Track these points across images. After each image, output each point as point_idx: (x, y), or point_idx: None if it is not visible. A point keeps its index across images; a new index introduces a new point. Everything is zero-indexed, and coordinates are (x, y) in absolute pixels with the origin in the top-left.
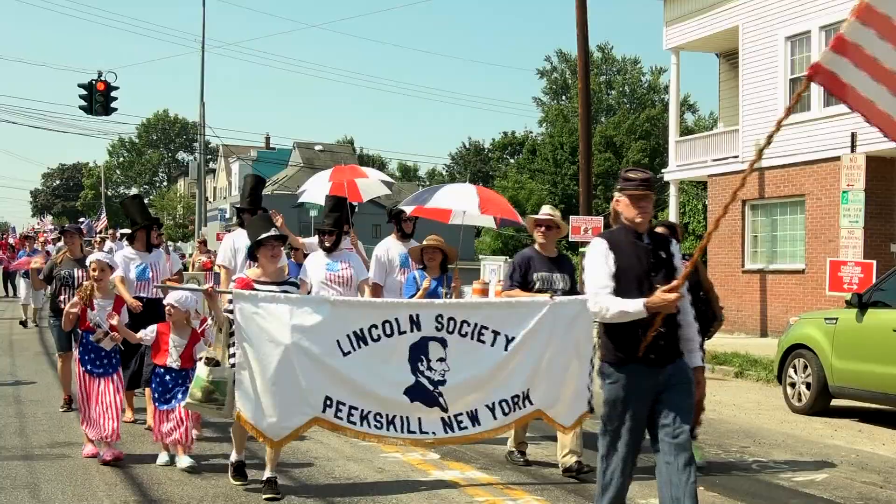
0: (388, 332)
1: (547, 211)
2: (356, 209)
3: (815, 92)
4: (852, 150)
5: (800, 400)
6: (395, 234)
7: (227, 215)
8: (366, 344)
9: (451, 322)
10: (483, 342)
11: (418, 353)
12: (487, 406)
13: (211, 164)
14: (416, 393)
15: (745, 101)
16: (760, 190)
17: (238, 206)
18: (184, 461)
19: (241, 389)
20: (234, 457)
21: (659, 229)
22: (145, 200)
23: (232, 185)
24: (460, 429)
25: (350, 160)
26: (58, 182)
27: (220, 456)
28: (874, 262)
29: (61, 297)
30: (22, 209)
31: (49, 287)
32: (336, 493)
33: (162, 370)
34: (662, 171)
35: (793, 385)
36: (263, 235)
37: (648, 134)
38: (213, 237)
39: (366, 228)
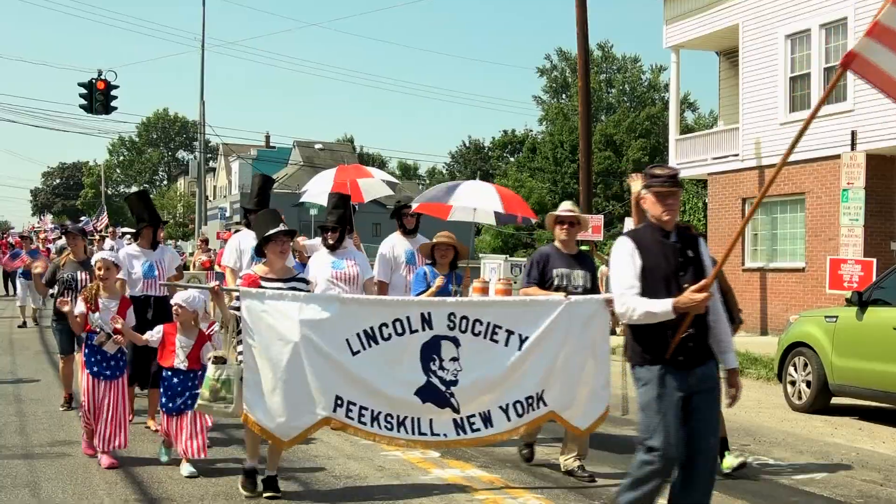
0: (399, 330)
1: (568, 207)
2: (356, 210)
3: (816, 90)
4: (852, 148)
5: (800, 398)
6: (399, 230)
7: (227, 214)
8: (376, 343)
9: (464, 321)
10: (496, 341)
11: (430, 352)
12: (501, 407)
13: (211, 163)
14: (428, 393)
15: (745, 100)
16: (760, 188)
17: (245, 206)
18: (185, 469)
19: (248, 389)
20: (247, 463)
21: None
22: None
23: (232, 184)
24: (472, 430)
25: (350, 159)
26: (58, 181)
27: (220, 455)
28: (874, 260)
29: (66, 300)
30: (22, 208)
31: (51, 291)
32: (336, 492)
33: (169, 373)
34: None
35: (793, 383)
36: (273, 231)
37: (648, 132)
38: (213, 236)
39: (366, 227)
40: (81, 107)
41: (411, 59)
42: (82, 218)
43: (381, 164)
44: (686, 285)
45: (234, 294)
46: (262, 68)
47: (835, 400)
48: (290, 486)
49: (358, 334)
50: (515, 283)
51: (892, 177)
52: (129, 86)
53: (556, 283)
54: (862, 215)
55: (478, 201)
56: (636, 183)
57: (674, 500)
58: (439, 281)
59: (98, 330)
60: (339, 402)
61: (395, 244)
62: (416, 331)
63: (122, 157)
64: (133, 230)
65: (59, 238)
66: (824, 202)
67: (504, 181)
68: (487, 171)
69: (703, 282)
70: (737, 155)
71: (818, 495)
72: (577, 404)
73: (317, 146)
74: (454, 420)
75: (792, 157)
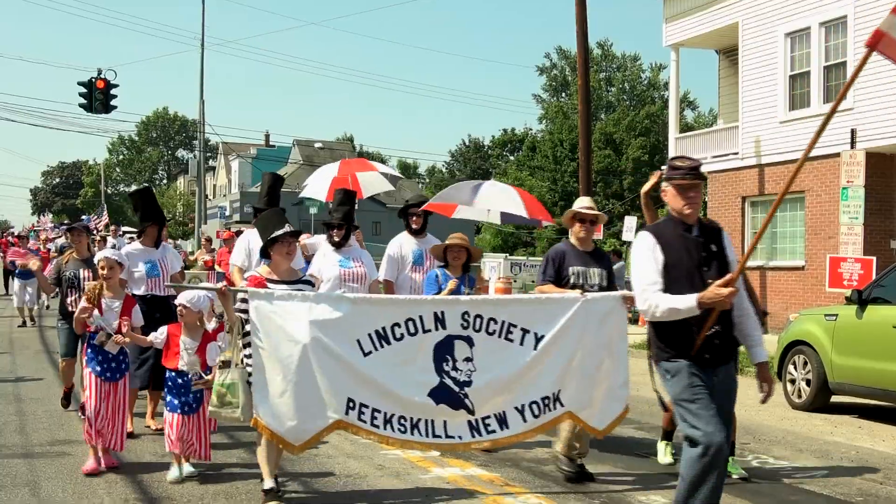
0: (412, 330)
1: (588, 204)
2: (356, 206)
3: (815, 88)
4: (852, 147)
5: (800, 396)
6: (406, 230)
7: (227, 213)
8: (388, 343)
9: (478, 320)
10: (511, 341)
11: (443, 352)
12: (516, 408)
13: (211, 162)
14: (441, 395)
15: (745, 98)
16: (760, 187)
17: (255, 205)
18: (185, 468)
19: (258, 392)
20: (266, 483)
21: None
22: None
23: (232, 183)
24: (488, 432)
25: (350, 157)
26: (58, 180)
27: (220, 454)
28: (874, 258)
29: (70, 300)
30: (22, 207)
31: (56, 290)
32: (336, 491)
33: (174, 374)
34: (662, 167)
35: (793, 381)
36: (280, 232)
37: (648, 131)
38: (213, 235)
39: (366, 226)
40: (81, 106)
41: (411, 57)
42: (83, 217)
43: (381, 162)
44: (710, 281)
45: (240, 295)
46: (261, 67)
47: (834, 398)
48: (290, 486)
49: (369, 334)
50: (515, 281)
51: (892, 175)
52: (128, 85)
53: (572, 280)
54: (861, 213)
55: (500, 204)
56: (651, 178)
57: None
58: (451, 284)
59: (98, 329)
60: (352, 404)
61: (403, 244)
62: (429, 330)
63: (121, 156)
64: (133, 229)
65: (59, 237)
66: (824, 200)
67: (504, 180)
68: (487, 170)
69: (728, 276)
70: (736, 153)
71: (818, 494)
72: (595, 404)
73: (316, 145)
74: (469, 422)
75: (791, 156)
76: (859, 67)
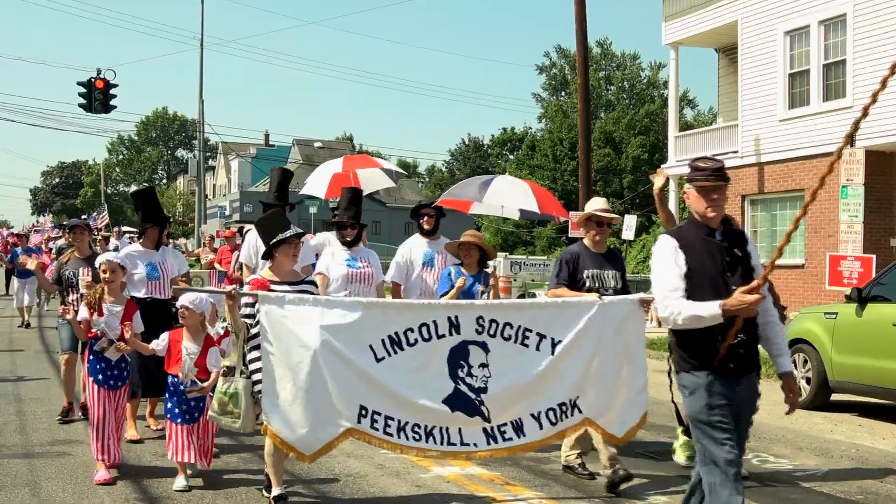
0: (426, 335)
1: (603, 206)
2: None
3: (815, 87)
4: (851, 145)
5: (799, 395)
6: (419, 232)
7: (227, 212)
8: (401, 349)
9: (493, 324)
10: (527, 346)
11: (458, 358)
12: (533, 415)
13: (210, 162)
14: (457, 401)
15: (745, 96)
16: (760, 185)
17: (265, 201)
18: (178, 483)
19: (268, 399)
20: (274, 490)
21: None
22: None
23: (231, 183)
24: (504, 440)
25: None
26: (57, 180)
27: (220, 455)
28: (874, 256)
29: (70, 299)
30: (22, 207)
31: (58, 289)
32: (336, 490)
33: (175, 380)
34: (662, 166)
35: None
36: (289, 233)
37: (648, 129)
38: (213, 235)
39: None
40: (80, 106)
41: (410, 56)
42: (83, 217)
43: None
44: (734, 287)
45: (245, 300)
46: (261, 66)
47: (834, 396)
48: (290, 484)
49: (382, 340)
50: (515, 280)
51: (892, 173)
52: (128, 85)
53: (587, 284)
54: (861, 212)
55: (512, 199)
56: (659, 178)
57: None
58: (460, 282)
59: (100, 334)
60: (364, 412)
61: (413, 247)
62: (444, 336)
63: (121, 156)
64: (133, 229)
65: (59, 238)
66: (824, 198)
67: None
68: (487, 169)
69: (753, 282)
70: (736, 152)
71: (818, 492)
72: (614, 410)
73: (316, 144)
74: (485, 429)
75: (790, 154)
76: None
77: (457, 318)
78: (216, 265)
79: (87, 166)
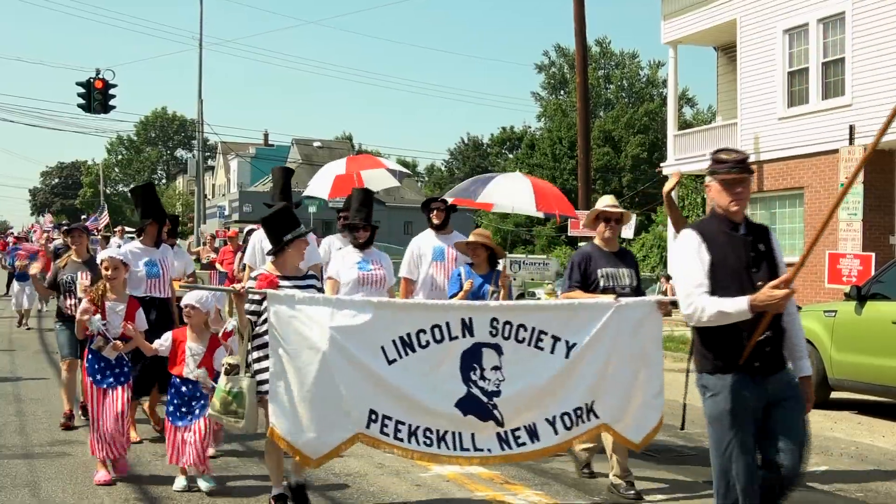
0: (438, 337)
1: (611, 203)
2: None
3: (814, 84)
4: (850, 143)
5: None
6: (429, 226)
7: (226, 212)
8: (413, 351)
9: (507, 326)
10: (542, 349)
11: (471, 360)
12: (548, 420)
13: (209, 162)
14: (469, 405)
15: (744, 95)
16: (759, 183)
17: (271, 202)
18: (178, 483)
19: (275, 402)
20: (275, 490)
21: None
22: None
23: (231, 183)
24: (518, 445)
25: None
26: (56, 180)
27: (220, 457)
28: (873, 254)
29: (68, 303)
30: (21, 208)
31: (53, 294)
32: (336, 489)
33: (178, 380)
34: (661, 164)
35: None
36: (301, 231)
37: (647, 128)
38: (213, 234)
39: None
40: (80, 106)
41: (409, 56)
42: (84, 217)
43: None
44: (759, 283)
45: (251, 296)
46: (260, 66)
47: (834, 394)
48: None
49: (394, 341)
50: (514, 279)
51: (891, 171)
52: (127, 85)
53: (601, 284)
54: (860, 210)
55: (509, 198)
56: (672, 180)
57: None
58: (467, 285)
59: (96, 334)
60: (374, 416)
61: (422, 242)
62: (456, 337)
63: (120, 156)
64: (131, 229)
65: (57, 238)
66: (823, 197)
67: None
68: (486, 168)
69: (784, 276)
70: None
71: (818, 489)
72: (630, 415)
73: (315, 144)
74: (498, 434)
75: (789, 152)
76: None
77: (470, 319)
78: (218, 266)
79: (86, 166)
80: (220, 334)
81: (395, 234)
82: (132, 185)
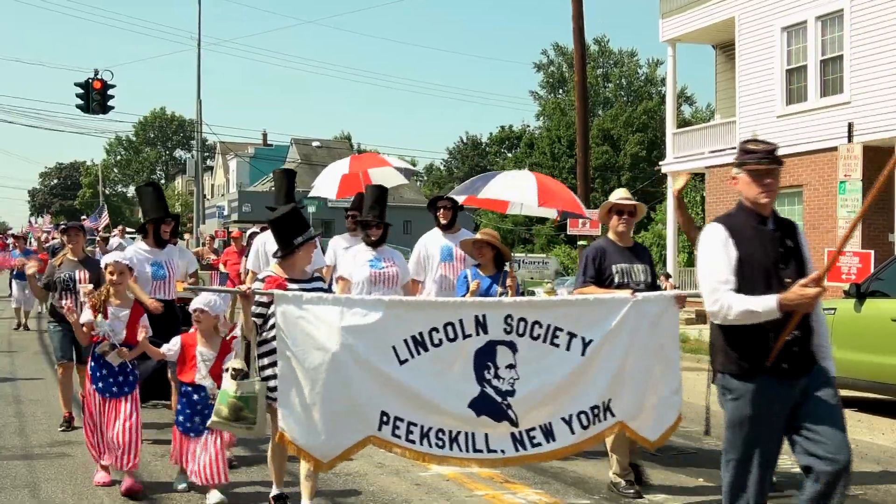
0: (451, 335)
1: (624, 195)
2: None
3: (812, 82)
4: (849, 140)
5: None
6: (436, 225)
7: (225, 212)
8: (425, 350)
9: (522, 323)
10: (557, 346)
11: (484, 359)
12: (563, 419)
13: (208, 162)
14: (483, 405)
15: (742, 93)
16: None
17: (274, 206)
18: (213, 497)
19: (284, 405)
20: (274, 490)
21: None
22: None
23: (230, 183)
24: (533, 446)
25: (348, 155)
26: (55, 181)
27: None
28: (872, 251)
29: (64, 302)
30: (20, 208)
31: (50, 295)
32: (336, 489)
33: (189, 388)
34: (660, 163)
35: None
36: (308, 236)
37: (646, 126)
38: (212, 235)
39: None
40: (78, 107)
41: (409, 55)
42: (83, 217)
43: None
44: (788, 280)
45: (258, 297)
46: (258, 66)
47: None
48: (289, 485)
49: (405, 340)
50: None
51: (890, 168)
52: (125, 85)
53: (616, 280)
54: (859, 207)
55: (512, 193)
56: (680, 180)
57: None
58: (473, 286)
59: (103, 337)
60: (385, 418)
61: (429, 242)
62: (470, 335)
63: (119, 157)
64: (131, 229)
65: (55, 239)
66: (821, 194)
67: None
68: (485, 167)
69: (815, 274)
70: (734, 148)
71: None
72: (648, 413)
73: (314, 143)
74: (512, 434)
75: (788, 150)
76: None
77: (483, 316)
78: (221, 266)
79: (85, 167)
80: (227, 337)
81: (394, 234)
82: (131, 188)
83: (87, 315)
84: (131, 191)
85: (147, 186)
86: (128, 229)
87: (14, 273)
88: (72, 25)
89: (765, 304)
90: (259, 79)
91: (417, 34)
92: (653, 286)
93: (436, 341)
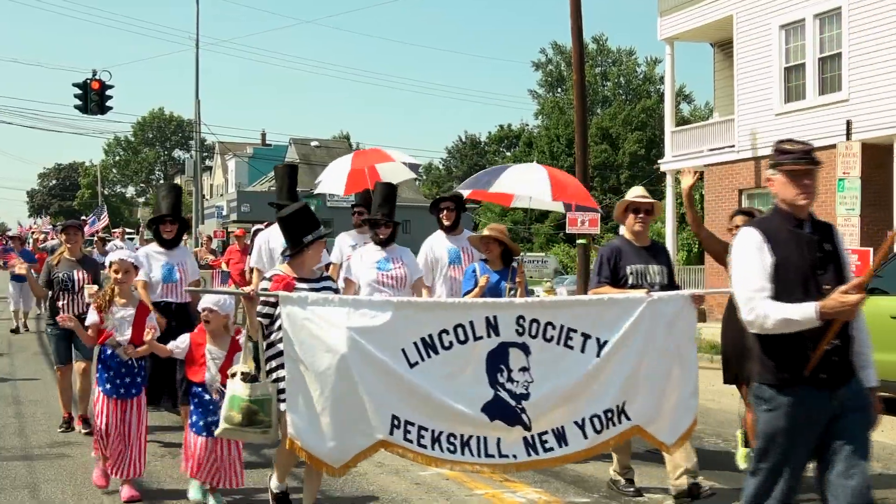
0: (462, 337)
1: (641, 193)
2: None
3: (811, 80)
4: (847, 138)
5: None
6: (439, 227)
7: (224, 212)
8: (436, 353)
9: (534, 324)
10: (571, 347)
11: (497, 361)
12: (577, 423)
13: (207, 162)
14: (496, 409)
15: (740, 91)
16: (756, 179)
17: (278, 201)
18: (212, 501)
19: (293, 410)
20: (274, 483)
21: (739, 217)
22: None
23: (229, 183)
24: (545, 450)
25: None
26: (54, 182)
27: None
28: (871, 249)
29: (61, 303)
30: (19, 209)
31: (49, 294)
32: (335, 488)
33: (199, 388)
34: (658, 161)
35: None
36: (318, 234)
37: (644, 125)
38: (211, 235)
39: None
40: (76, 107)
41: (407, 55)
42: (83, 217)
43: None
44: (827, 286)
45: (262, 298)
46: (257, 66)
47: None
48: (289, 485)
49: (415, 343)
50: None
51: (888, 166)
52: (124, 85)
53: (630, 281)
54: (858, 205)
55: (524, 187)
56: (688, 177)
57: None
58: (483, 280)
59: (112, 328)
60: (396, 422)
61: (435, 245)
62: (481, 337)
63: (118, 157)
64: (130, 230)
65: (53, 239)
66: (820, 192)
67: None
68: (484, 166)
69: (856, 281)
70: (732, 146)
71: None
72: (664, 416)
73: (313, 143)
74: (525, 438)
75: None
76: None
77: (495, 317)
78: (224, 265)
79: (83, 168)
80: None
81: None
82: (130, 189)
83: (92, 317)
84: (130, 191)
85: (161, 185)
86: (127, 230)
87: (13, 276)
88: (70, 26)
89: (803, 313)
90: (257, 79)
91: (416, 34)
92: (670, 287)
93: (446, 344)
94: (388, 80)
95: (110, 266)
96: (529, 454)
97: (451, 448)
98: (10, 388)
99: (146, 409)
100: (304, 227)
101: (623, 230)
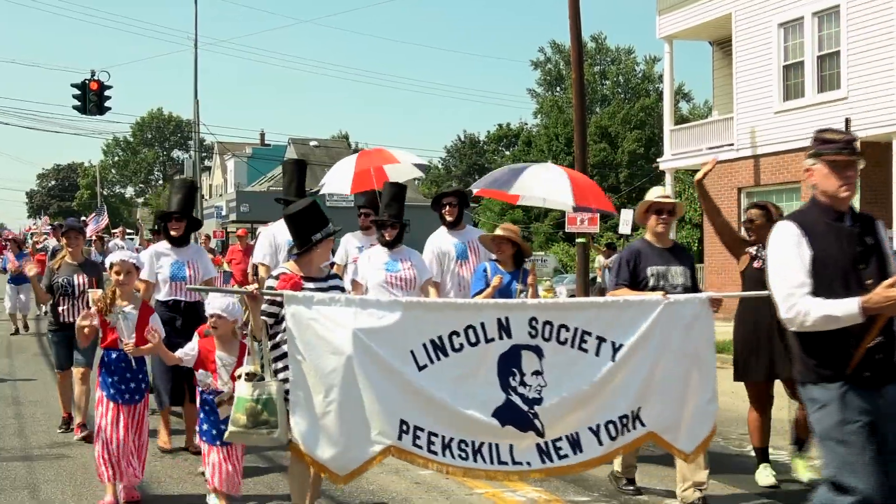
0: (473, 340)
1: (663, 193)
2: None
3: (810, 78)
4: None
5: None
6: (442, 223)
7: (224, 212)
8: (446, 355)
9: (548, 327)
10: (585, 351)
11: (509, 365)
12: (591, 429)
13: (206, 162)
14: (508, 414)
15: (739, 89)
16: (756, 177)
17: (285, 197)
18: (212, 502)
19: (297, 413)
20: None
21: (753, 211)
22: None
23: (228, 183)
24: (559, 457)
25: (346, 155)
26: (53, 182)
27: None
28: None
29: (61, 308)
30: (18, 210)
31: (51, 298)
32: (335, 488)
33: (209, 396)
34: (658, 160)
35: None
36: (327, 232)
37: (643, 123)
38: (210, 235)
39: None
40: (75, 108)
41: (405, 54)
42: (83, 218)
43: None
44: (869, 281)
45: (266, 297)
46: (255, 66)
47: None
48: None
49: (424, 345)
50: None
51: (887, 164)
52: (122, 86)
53: (650, 283)
54: (857, 204)
55: (545, 190)
56: (706, 167)
57: None
58: (496, 281)
59: (116, 320)
60: (405, 427)
61: (441, 242)
62: (493, 339)
63: (116, 158)
64: (130, 230)
65: (50, 238)
66: None
67: None
68: (483, 165)
69: None
70: (731, 144)
71: (820, 482)
72: (682, 423)
73: (312, 143)
74: (538, 445)
75: (786, 146)
76: None
77: (507, 319)
78: (226, 265)
79: (82, 168)
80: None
81: None
82: (130, 189)
83: (94, 320)
84: (129, 192)
85: (175, 181)
86: (127, 230)
87: (10, 278)
88: (68, 26)
89: (846, 309)
90: (256, 79)
91: (414, 33)
92: (692, 290)
93: (456, 346)
94: (387, 79)
95: (111, 267)
96: (543, 461)
97: (463, 455)
98: (9, 389)
99: (148, 415)
100: (313, 224)
101: (644, 232)
